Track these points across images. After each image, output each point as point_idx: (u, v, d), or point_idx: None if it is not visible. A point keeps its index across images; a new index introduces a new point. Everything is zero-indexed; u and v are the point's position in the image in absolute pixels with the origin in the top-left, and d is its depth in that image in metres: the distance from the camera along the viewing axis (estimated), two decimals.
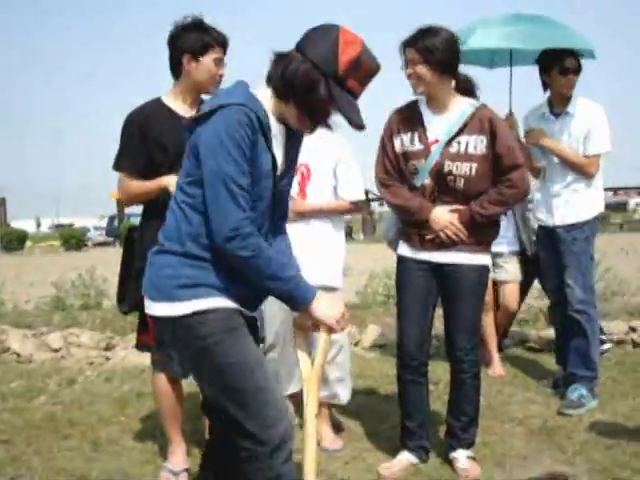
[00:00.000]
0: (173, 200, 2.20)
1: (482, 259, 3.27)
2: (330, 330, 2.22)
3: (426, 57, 3.06)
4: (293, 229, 3.57)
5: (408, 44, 3.12)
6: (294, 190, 3.59)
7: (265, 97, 2.14)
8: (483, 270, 3.29)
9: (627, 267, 10.05)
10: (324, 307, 2.18)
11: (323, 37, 2.08)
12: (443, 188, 3.16)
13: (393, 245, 3.41)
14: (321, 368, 2.25)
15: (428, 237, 3.19)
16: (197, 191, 2.09)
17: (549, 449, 3.51)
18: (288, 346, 3.74)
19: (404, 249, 3.31)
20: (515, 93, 4.65)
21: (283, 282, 2.11)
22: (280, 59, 2.11)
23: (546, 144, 4.23)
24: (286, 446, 2.14)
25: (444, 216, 3.15)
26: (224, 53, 3.15)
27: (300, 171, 3.59)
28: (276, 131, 2.16)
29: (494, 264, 4.95)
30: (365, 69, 2.09)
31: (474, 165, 3.11)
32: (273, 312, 3.64)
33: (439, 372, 4.48)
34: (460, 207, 3.16)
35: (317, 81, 2.05)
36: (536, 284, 5.40)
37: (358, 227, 32.86)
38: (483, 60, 4.88)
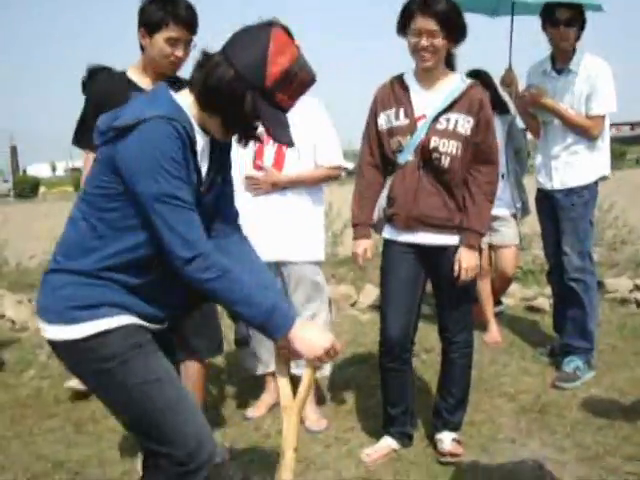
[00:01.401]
0: (76, 210, 1.95)
1: None
2: (313, 363, 1.98)
3: (445, 27, 2.85)
4: (268, 202, 3.47)
5: (423, 11, 2.84)
6: (269, 160, 3.42)
7: (188, 104, 1.90)
8: None
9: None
10: (306, 340, 1.91)
11: (252, 42, 1.83)
12: (428, 166, 2.98)
13: (377, 228, 3.23)
14: (303, 402, 2.04)
15: None
16: (111, 205, 1.86)
17: (539, 430, 3.38)
18: None
19: (389, 231, 3.14)
20: (518, 46, 4.34)
21: (254, 308, 1.86)
22: (204, 62, 1.87)
23: (546, 104, 3.98)
24: (207, 466, 1.96)
25: (360, 249, 3.15)
26: (188, 33, 2.86)
27: None
28: (203, 143, 1.94)
29: (490, 227, 4.78)
30: (297, 82, 1.85)
31: (460, 144, 2.94)
32: None
33: (432, 339, 4.35)
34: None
35: (242, 94, 1.82)
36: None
37: None
38: (485, 7, 4.55)
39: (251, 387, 4.03)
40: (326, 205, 8.89)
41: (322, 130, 3.48)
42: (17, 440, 3.60)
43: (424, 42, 2.88)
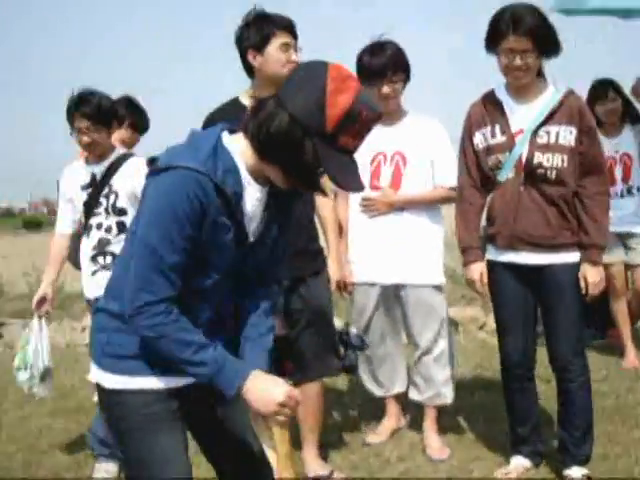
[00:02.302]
0: (123, 249, 1.91)
1: (577, 256, 2.96)
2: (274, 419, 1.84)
3: (539, 45, 2.78)
4: (385, 223, 3.42)
5: (515, 30, 2.76)
6: (386, 180, 3.41)
7: (242, 151, 1.76)
8: (577, 268, 2.96)
9: None
10: (257, 395, 1.76)
11: (307, 83, 1.67)
12: (530, 182, 2.89)
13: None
14: (285, 460, 1.90)
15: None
16: None
17: None
18: (388, 341, 3.61)
19: (491, 252, 3.06)
20: None
21: (198, 367, 1.74)
22: (258, 109, 1.72)
23: None
24: None
25: (475, 274, 3.02)
26: (293, 37, 2.94)
27: (395, 160, 3.40)
28: (258, 193, 1.80)
29: (626, 246, 4.53)
30: (361, 122, 1.67)
31: (565, 157, 2.84)
32: (363, 305, 3.50)
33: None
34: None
35: (300, 141, 1.66)
36: None
37: None
38: (616, 10, 4.31)
39: (373, 410, 3.97)
40: (452, 223, 8.74)
41: (441, 150, 3.43)
42: None
43: (518, 62, 2.80)
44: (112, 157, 3.38)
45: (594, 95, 4.42)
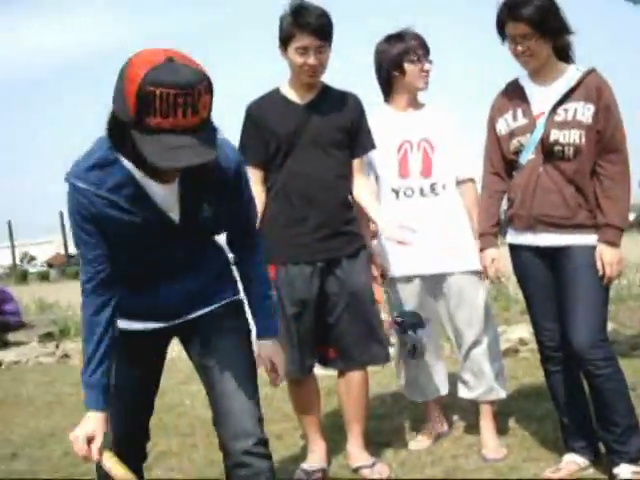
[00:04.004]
0: None
1: (595, 238, 2.82)
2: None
3: (539, 29, 2.75)
4: (417, 211, 3.26)
5: (513, 16, 2.77)
6: (416, 167, 3.34)
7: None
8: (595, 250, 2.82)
9: None
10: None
11: (118, 78, 1.77)
12: (550, 162, 2.82)
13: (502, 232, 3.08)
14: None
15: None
16: None
17: None
18: (429, 347, 3.42)
19: (511, 234, 2.99)
20: None
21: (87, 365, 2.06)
22: None
23: None
24: None
25: (487, 261, 3.02)
26: (318, 40, 2.93)
27: (422, 147, 3.34)
28: (159, 189, 1.97)
29: None
30: (157, 99, 1.67)
31: (583, 133, 2.76)
32: (402, 303, 3.38)
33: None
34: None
35: (123, 135, 1.78)
36: None
37: None
38: None
39: (419, 412, 3.81)
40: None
41: (461, 141, 3.39)
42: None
43: (520, 47, 2.80)
44: None
45: None
